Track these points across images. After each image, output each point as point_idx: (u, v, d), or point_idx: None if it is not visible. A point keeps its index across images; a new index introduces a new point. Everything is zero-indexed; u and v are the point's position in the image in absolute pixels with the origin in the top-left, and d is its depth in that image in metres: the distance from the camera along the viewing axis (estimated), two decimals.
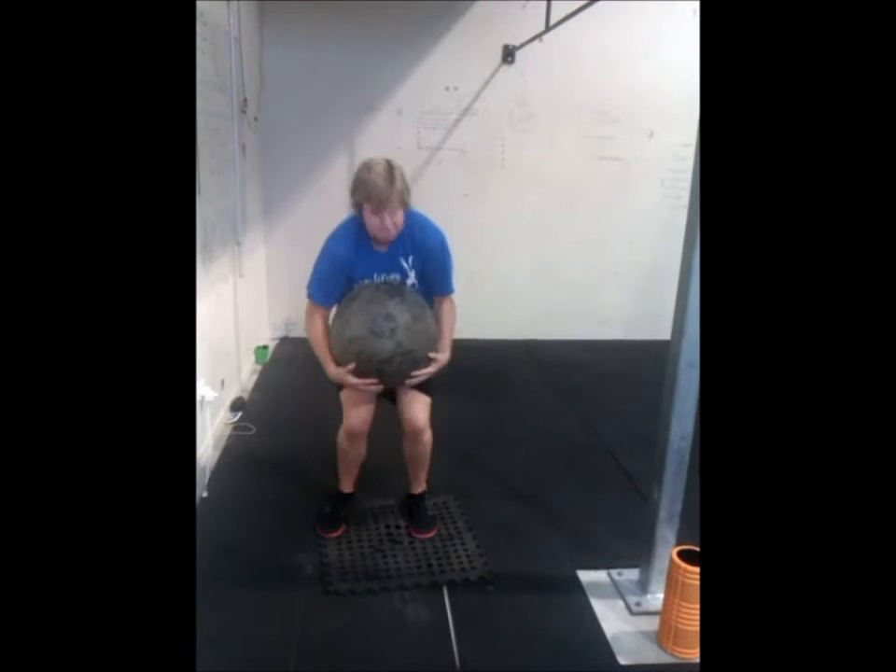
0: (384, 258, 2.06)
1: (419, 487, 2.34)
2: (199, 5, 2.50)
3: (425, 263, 2.08)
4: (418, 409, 2.13)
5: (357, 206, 1.98)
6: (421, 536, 2.24)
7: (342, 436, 2.19)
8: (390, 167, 1.92)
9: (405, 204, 1.96)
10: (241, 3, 3.17)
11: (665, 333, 1.89)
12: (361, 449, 2.22)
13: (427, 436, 2.17)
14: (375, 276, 2.07)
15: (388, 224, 1.94)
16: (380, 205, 1.90)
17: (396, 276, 2.08)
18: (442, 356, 2.10)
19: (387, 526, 2.29)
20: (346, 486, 2.33)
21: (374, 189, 1.89)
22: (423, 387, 2.14)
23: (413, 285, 2.09)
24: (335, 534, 2.23)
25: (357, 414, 2.12)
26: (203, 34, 2.60)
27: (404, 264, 2.07)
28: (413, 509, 2.32)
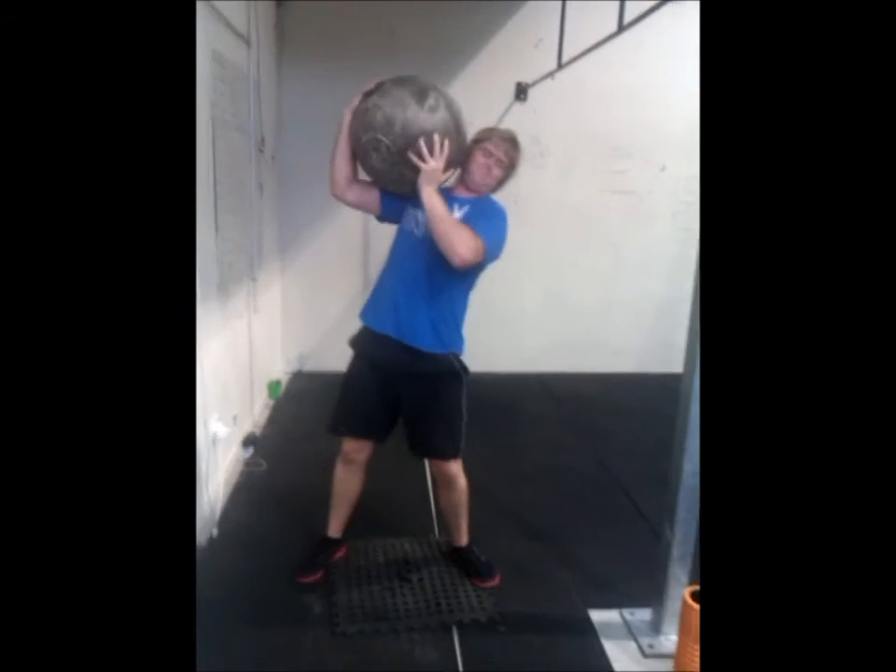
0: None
1: (463, 539, 2.26)
2: (219, 48, 2.59)
3: (472, 217, 1.93)
4: None
5: (472, 144, 1.96)
6: (486, 584, 2.17)
7: (338, 464, 2.18)
8: (517, 139, 1.99)
9: (507, 172, 1.98)
10: (260, 46, 3.27)
11: (677, 366, 1.89)
12: (356, 481, 2.18)
13: (461, 482, 2.14)
14: (423, 210, 1.89)
15: (494, 170, 1.94)
16: (497, 149, 1.93)
17: None
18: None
19: (397, 563, 2.27)
20: (333, 530, 2.26)
21: (502, 136, 1.95)
22: (449, 448, 2.10)
23: None
24: (310, 579, 2.15)
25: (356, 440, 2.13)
26: (223, 76, 2.68)
27: (455, 209, 1.94)
28: (465, 561, 2.25)
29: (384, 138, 1.84)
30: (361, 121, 1.90)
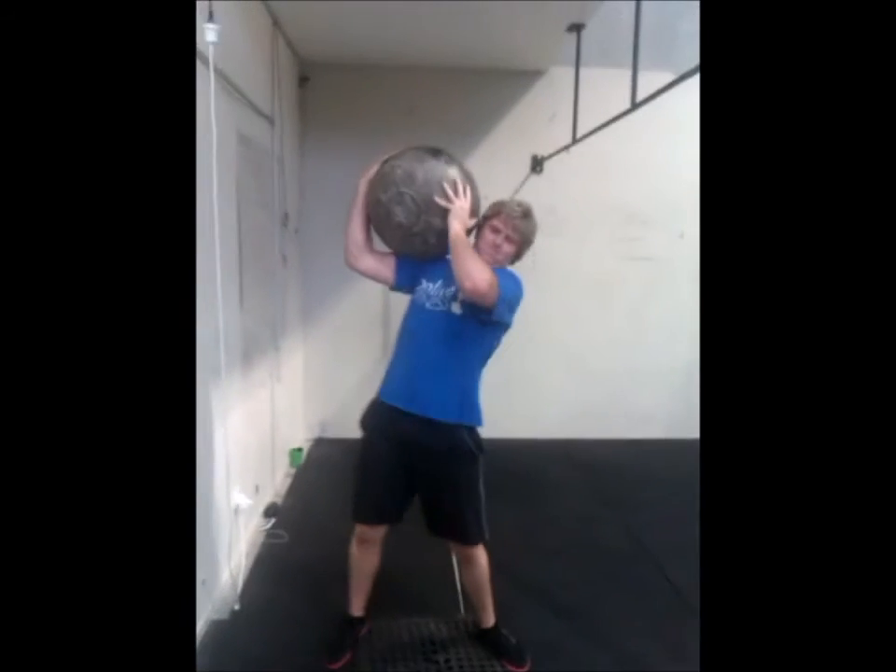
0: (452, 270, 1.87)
1: (489, 620, 2.18)
2: (244, 129, 2.69)
3: None
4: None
5: (482, 220, 1.96)
6: (520, 669, 2.08)
7: (353, 543, 2.12)
8: (530, 211, 1.96)
9: (520, 247, 1.95)
10: (284, 125, 3.40)
11: None
12: (373, 559, 2.12)
13: (483, 560, 2.08)
14: (433, 283, 1.95)
15: (504, 247, 1.92)
16: (506, 227, 1.90)
17: (451, 289, 1.90)
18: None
19: (422, 643, 2.19)
20: (355, 608, 2.19)
21: (512, 212, 1.91)
22: (471, 534, 2.04)
23: (463, 300, 1.88)
24: (339, 664, 2.07)
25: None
26: (248, 156, 2.78)
27: None
28: (495, 644, 2.17)
29: (407, 190, 1.89)
30: (380, 183, 1.95)
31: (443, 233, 1.88)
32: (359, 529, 2.09)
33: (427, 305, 1.94)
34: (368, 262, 2.05)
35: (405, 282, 2.05)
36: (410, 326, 2.02)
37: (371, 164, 2.03)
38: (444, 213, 1.88)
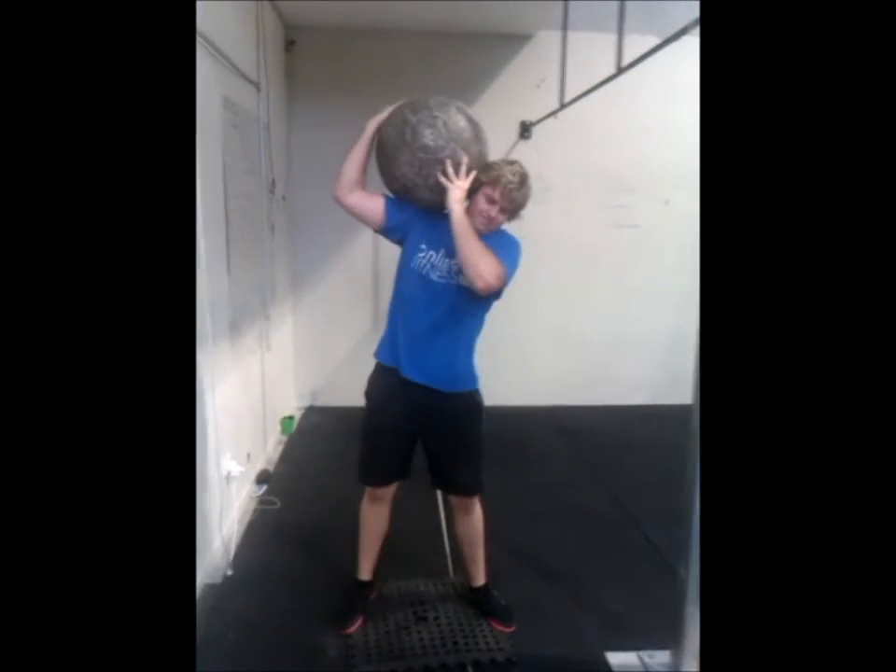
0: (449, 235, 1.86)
1: (480, 578, 2.24)
2: (230, 94, 2.66)
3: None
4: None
5: (475, 185, 1.89)
6: (507, 629, 2.15)
7: (364, 503, 2.18)
8: (526, 177, 1.91)
9: (513, 214, 1.93)
10: (270, 90, 3.35)
11: (689, 397, 1.87)
12: (384, 518, 2.18)
13: (479, 510, 2.16)
14: (437, 252, 1.93)
15: (497, 218, 1.89)
16: (502, 199, 1.86)
17: (458, 261, 1.87)
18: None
19: (412, 604, 2.26)
20: (364, 572, 2.24)
21: (509, 183, 1.85)
22: (475, 485, 2.12)
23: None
24: (353, 629, 2.13)
25: None
26: (234, 121, 2.75)
27: None
28: (484, 603, 2.23)
29: (441, 115, 1.89)
30: (409, 106, 1.93)
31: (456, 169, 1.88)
32: (370, 490, 2.15)
33: (433, 276, 1.93)
34: (356, 198, 1.96)
35: (393, 225, 1.99)
36: (412, 293, 1.98)
37: (384, 109, 1.99)
38: (468, 147, 1.88)
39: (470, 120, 1.95)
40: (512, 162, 1.92)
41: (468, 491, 2.13)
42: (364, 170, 1.99)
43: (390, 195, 2.01)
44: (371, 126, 1.98)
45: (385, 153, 1.97)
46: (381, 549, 2.23)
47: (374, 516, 2.17)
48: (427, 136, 1.88)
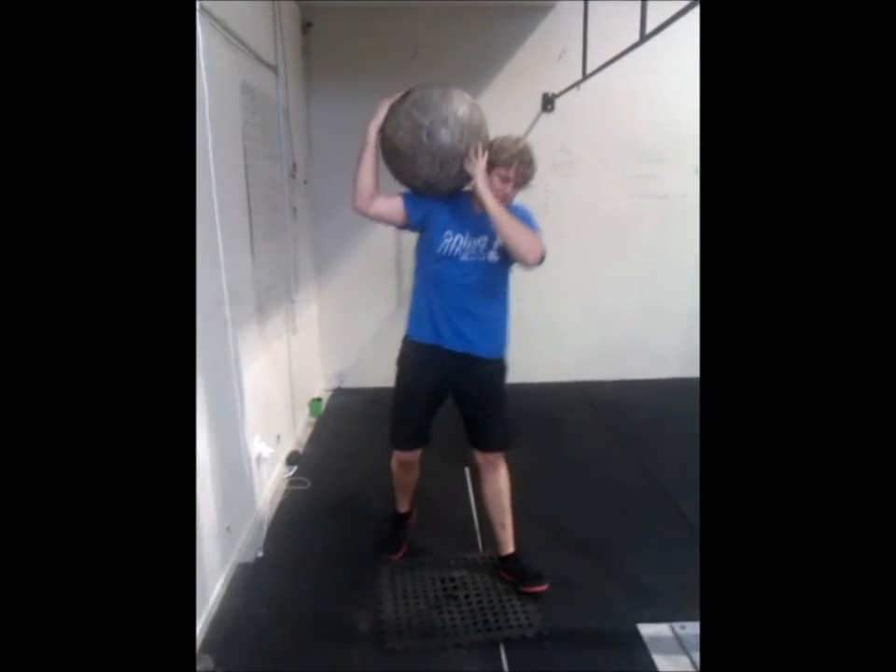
0: (476, 219, 2.04)
1: (509, 545, 2.28)
2: (248, 80, 2.66)
3: None
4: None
5: (488, 165, 1.99)
6: (536, 588, 2.18)
7: (394, 464, 2.37)
8: (532, 152, 2.02)
9: (520, 188, 2.04)
10: (288, 74, 3.35)
11: None
12: (414, 475, 2.39)
13: (505, 468, 2.24)
14: (463, 234, 2.05)
15: (511, 194, 2.01)
16: (516, 177, 1.98)
17: (484, 238, 2.05)
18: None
19: (443, 581, 2.28)
20: (402, 506, 2.47)
21: (520, 160, 1.97)
22: (508, 439, 2.24)
23: (499, 248, 2.04)
24: (397, 556, 2.38)
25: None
26: (253, 107, 2.75)
27: (494, 230, 2.03)
28: (514, 569, 2.26)
29: (448, 109, 1.95)
30: (413, 105, 1.97)
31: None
32: (398, 454, 2.31)
33: (464, 257, 2.06)
34: (378, 205, 2.07)
35: (415, 221, 2.10)
36: (443, 276, 2.09)
37: (376, 110, 2.03)
38: (478, 131, 1.98)
39: (472, 104, 2.02)
40: (517, 140, 2.03)
41: (502, 445, 2.24)
42: (377, 175, 2.06)
43: (405, 191, 2.11)
44: (373, 130, 2.04)
45: (401, 157, 2.02)
46: (415, 487, 2.45)
47: (404, 474, 2.39)
48: (444, 135, 1.96)
